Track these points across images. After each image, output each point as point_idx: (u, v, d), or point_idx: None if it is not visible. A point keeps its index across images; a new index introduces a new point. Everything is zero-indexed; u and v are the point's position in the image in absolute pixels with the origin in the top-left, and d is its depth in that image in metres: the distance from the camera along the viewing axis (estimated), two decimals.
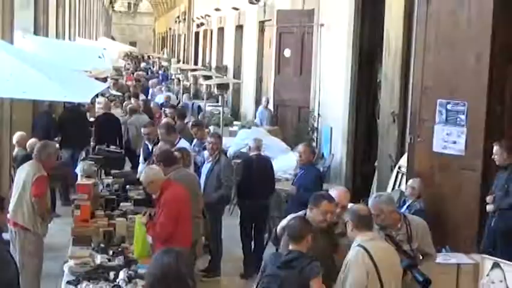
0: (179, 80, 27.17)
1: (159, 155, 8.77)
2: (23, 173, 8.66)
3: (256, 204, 10.35)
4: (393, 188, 11.14)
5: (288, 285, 5.55)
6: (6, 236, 8.54)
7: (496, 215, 8.97)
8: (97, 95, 19.25)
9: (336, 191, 6.79)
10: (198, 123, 13.10)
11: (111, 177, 10.90)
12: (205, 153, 10.87)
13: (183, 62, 39.37)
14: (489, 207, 9.05)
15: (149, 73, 38.79)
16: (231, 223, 10.89)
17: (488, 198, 9.08)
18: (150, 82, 27.95)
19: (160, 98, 21.04)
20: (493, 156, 9.10)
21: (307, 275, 5.52)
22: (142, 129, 11.63)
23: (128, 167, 14.01)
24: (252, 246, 10.51)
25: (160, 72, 39.16)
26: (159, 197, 7.48)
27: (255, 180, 10.41)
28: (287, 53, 18.09)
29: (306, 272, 5.53)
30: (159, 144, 10.21)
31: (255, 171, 10.53)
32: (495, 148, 9.07)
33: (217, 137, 10.61)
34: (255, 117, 19.54)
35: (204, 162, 10.68)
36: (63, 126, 14.45)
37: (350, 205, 6.41)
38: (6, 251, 6.16)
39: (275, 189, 10.96)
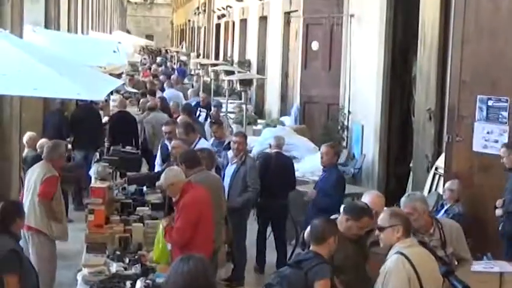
0: (198, 76, 27.22)
1: (182, 155, 8.77)
2: (34, 175, 8.78)
3: (275, 203, 10.47)
4: (430, 191, 11.09)
5: (288, 284, 5.61)
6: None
7: (504, 218, 9.11)
8: (112, 92, 19.32)
9: (369, 196, 6.76)
10: (217, 121, 13.06)
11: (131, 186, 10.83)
12: (229, 153, 10.88)
13: (203, 57, 39.41)
14: (498, 211, 9.19)
15: (163, 67, 38.74)
16: (255, 228, 10.90)
17: (498, 202, 9.20)
18: (161, 77, 27.96)
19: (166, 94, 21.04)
20: (501, 160, 9.21)
21: (312, 277, 5.60)
22: (163, 127, 11.57)
23: (145, 168, 14.06)
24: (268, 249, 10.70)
25: (175, 67, 39.03)
26: (178, 200, 7.51)
27: (274, 179, 10.53)
28: (315, 46, 18.05)
29: (312, 273, 5.60)
30: (173, 142, 10.16)
31: (274, 169, 10.67)
32: (501, 150, 9.24)
33: (242, 136, 10.61)
34: (290, 115, 19.49)
35: (226, 164, 10.69)
36: (75, 125, 14.52)
37: (386, 209, 6.35)
38: (27, 259, 6.28)
39: (294, 188, 11.09)
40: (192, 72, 31.52)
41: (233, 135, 11.09)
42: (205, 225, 7.48)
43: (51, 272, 8.59)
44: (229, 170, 10.29)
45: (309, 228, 6.44)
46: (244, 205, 10.05)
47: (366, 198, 6.66)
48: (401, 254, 5.64)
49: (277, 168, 10.70)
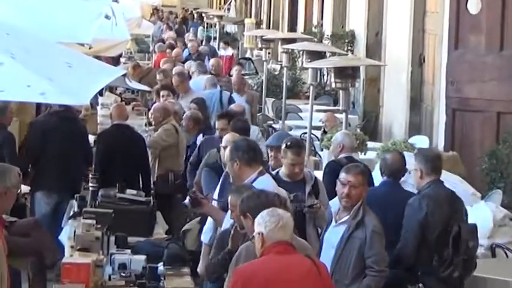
0: (259, 61, 27.30)
1: (245, 200, 9.01)
2: None
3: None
4: None
5: None
6: None
7: None
8: (101, 92, 19.47)
9: None
10: (297, 144, 12.69)
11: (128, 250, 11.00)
12: (331, 205, 10.96)
13: (268, 27, 39.62)
14: None
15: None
16: None
17: None
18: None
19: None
20: None
21: None
22: (217, 122, 11.88)
23: (160, 228, 14.10)
24: None
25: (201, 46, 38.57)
26: None
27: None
28: (474, 6, 18.10)
29: None
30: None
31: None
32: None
33: (359, 172, 10.56)
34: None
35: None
36: (35, 148, 14.64)
37: None
38: None
39: None
40: (248, 55, 31.75)
41: (343, 170, 10.74)
42: None
43: None
44: (333, 234, 10.41)
45: None
46: None
47: None
48: None
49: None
